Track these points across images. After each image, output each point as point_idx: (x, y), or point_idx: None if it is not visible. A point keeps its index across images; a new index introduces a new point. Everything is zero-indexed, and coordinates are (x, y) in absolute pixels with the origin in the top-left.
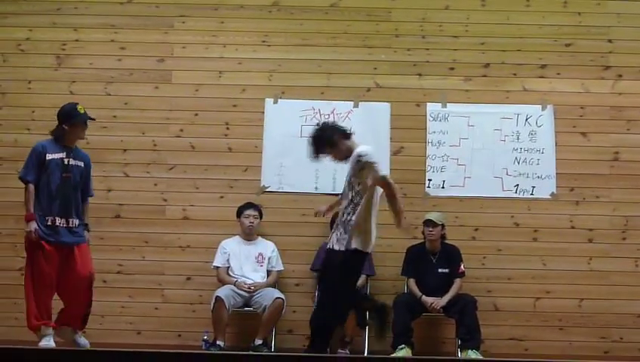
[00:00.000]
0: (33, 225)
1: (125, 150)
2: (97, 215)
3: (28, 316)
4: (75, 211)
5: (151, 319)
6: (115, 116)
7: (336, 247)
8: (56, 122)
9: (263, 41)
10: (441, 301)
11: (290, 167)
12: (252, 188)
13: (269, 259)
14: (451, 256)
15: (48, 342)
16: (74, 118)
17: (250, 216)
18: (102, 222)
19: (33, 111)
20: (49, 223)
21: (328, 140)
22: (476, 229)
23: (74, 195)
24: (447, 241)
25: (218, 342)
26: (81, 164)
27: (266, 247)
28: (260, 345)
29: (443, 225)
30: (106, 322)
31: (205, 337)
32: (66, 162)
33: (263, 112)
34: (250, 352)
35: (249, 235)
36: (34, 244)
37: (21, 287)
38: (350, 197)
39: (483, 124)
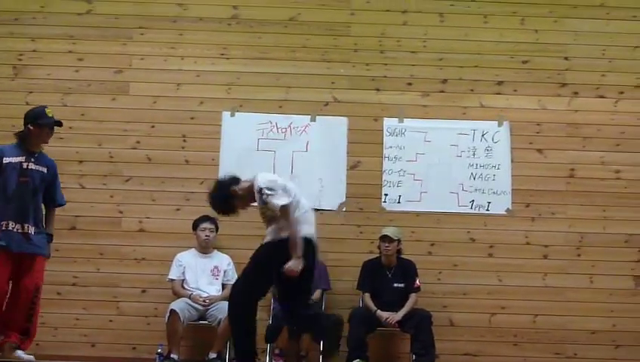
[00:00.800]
0: None
1: (81, 161)
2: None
3: None
4: (32, 217)
5: (105, 331)
6: (71, 127)
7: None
8: (9, 132)
9: (222, 54)
10: (397, 315)
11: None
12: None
13: (225, 272)
14: (407, 270)
15: None
16: (41, 120)
17: (207, 230)
18: (57, 233)
19: None
20: (3, 228)
21: (224, 198)
22: (432, 244)
23: (32, 201)
24: (403, 256)
25: (172, 355)
26: (44, 169)
27: (222, 260)
28: (214, 358)
29: (399, 240)
30: (60, 334)
31: (160, 350)
32: (24, 166)
33: (221, 125)
34: None
35: (205, 248)
36: None
37: None
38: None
39: (440, 140)
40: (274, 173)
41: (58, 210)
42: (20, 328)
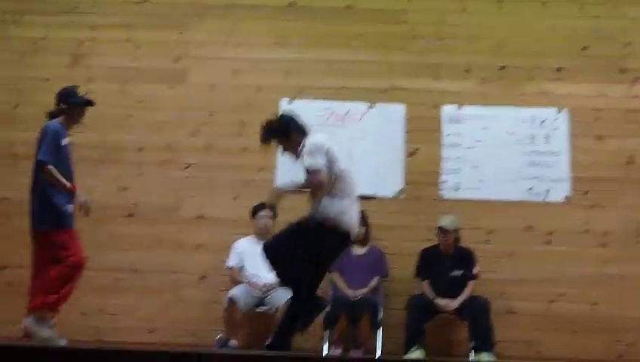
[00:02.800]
0: (81, 197)
1: (141, 149)
2: (112, 213)
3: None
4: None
5: (165, 318)
6: (130, 115)
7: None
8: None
9: (278, 42)
10: (454, 303)
11: None
12: (266, 187)
13: None
14: (465, 258)
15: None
16: (72, 98)
17: (265, 217)
18: (116, 220)
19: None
20: (70, 211)
21: (282, 130)
22: (490, 232)
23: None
24: (461, 244)
25: (231, 342)
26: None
27: None
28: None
29: (457, 229)
30: (119, 320)
31: (219, 336)
32: (69, 147)
33: (278, 112)
34: (263, 352)
35: (263, 235)
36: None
37: None
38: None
39: (498, 127)
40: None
41: (116, 198)
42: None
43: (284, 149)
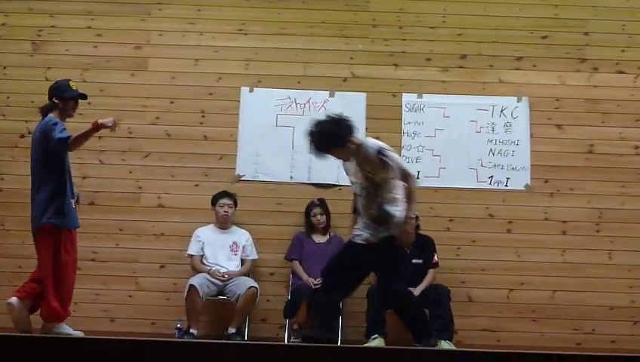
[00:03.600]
0: (107, 120)
1: (101, 137)
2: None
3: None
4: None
5: (125, 306)
6: (90, 103)
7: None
8: (29, 107)
9: (240, 30)
10: (415, 291)
11: (265, 155)
12: (227, 176)
13: (244, 247)
14: (425, 246)
15: (72, 331)
16: (65, 93)
17: (225, 205)
18: (78, 209)
19: (8, 97)
20: (73, 206)
21: (338, 139)
22: (451, 220)
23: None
24: (421, 232)
25: (191, 330)
26: None
27: (241, 236)
28: (233, 333)
29: (417, 217)
30: (80, 309)
31: (179, 325)
32: None
33: (239, 101)
34: (224, 341)
35: (223, 224)
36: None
37: None
38: (372, 190)
39: (459, 115)
40: (292, 148)
41: (78, 186)
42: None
43: (339, 157)
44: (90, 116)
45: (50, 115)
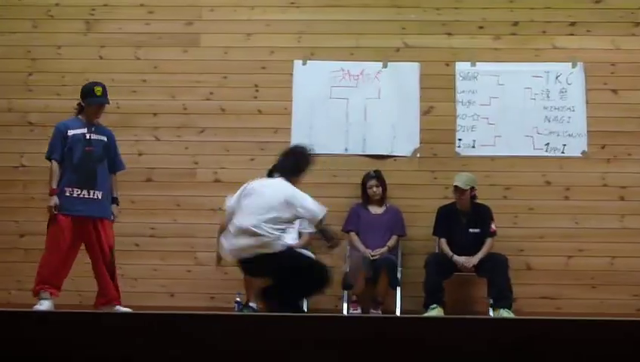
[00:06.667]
0: (52, 200)
1: (155, 114)
2: (128, 179)
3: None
4: (99, 184)
5: (184, 281)
6: (144, 80)
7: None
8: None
9: (292, 2)
10: (473, 260)
11: (320, 128)
12: (282, 149)
13: (301, 220)
14: (482, 215)
15: (40, 306)
16: (88, 98)
17: None
18: (134, 185)
19: (63, 77)
20: (67, 194)
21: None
22: (507, 188)
23: (98, 168)
24: (478, 201)
25: (251, 304)
26: (104, 138)
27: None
28: None
29: (472, 188)
30: (139, 285)
31: (238, 299)
32: (87, 136)
33: (292, 74)
34: (282, 313)
35: None
36: (51, 216)
37: None
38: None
39: (513, 83)
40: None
41: (133, 163)
42: (113, 288)
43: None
44: (146, 94)
45: (78, 117)
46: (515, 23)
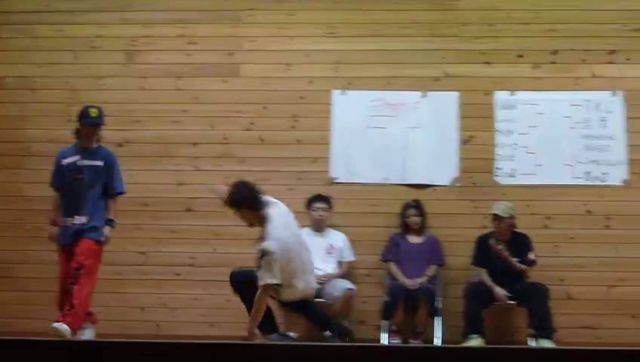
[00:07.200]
0: (50, 230)
1: (195, 144)
2: (168, 209)
3: None
4: (85, 208)
5: (223, 311)
6: (185, 110)
7: None
8: (125, 117)
9: (330, 33)
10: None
11: (358, 157)
12: (321, 179)
13: (340, 249)
14: (521, 244)
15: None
16: (82, 119)
17: (320, 209)
18: (173, 215)
19: (104, 108)
20: (60, 224)
21: (236, 202)
22: (548, 217)
23: (86, 194)
24: (516, 230)
25: (290, 333)
26: (99, 163)
27: (337, 238)
28: (330, 336)
29: (511, 216)
30: (179, 314)
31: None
32: (78, 164)
33: (330, 104)
34: (321, 343)
35: (319, 227)
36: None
37: None
38: None
39: (552, 112)
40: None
41: (173, 193)
42: (67, 304)
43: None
44: (186, 124)
45: (75, 144)
46: (555, 52)
